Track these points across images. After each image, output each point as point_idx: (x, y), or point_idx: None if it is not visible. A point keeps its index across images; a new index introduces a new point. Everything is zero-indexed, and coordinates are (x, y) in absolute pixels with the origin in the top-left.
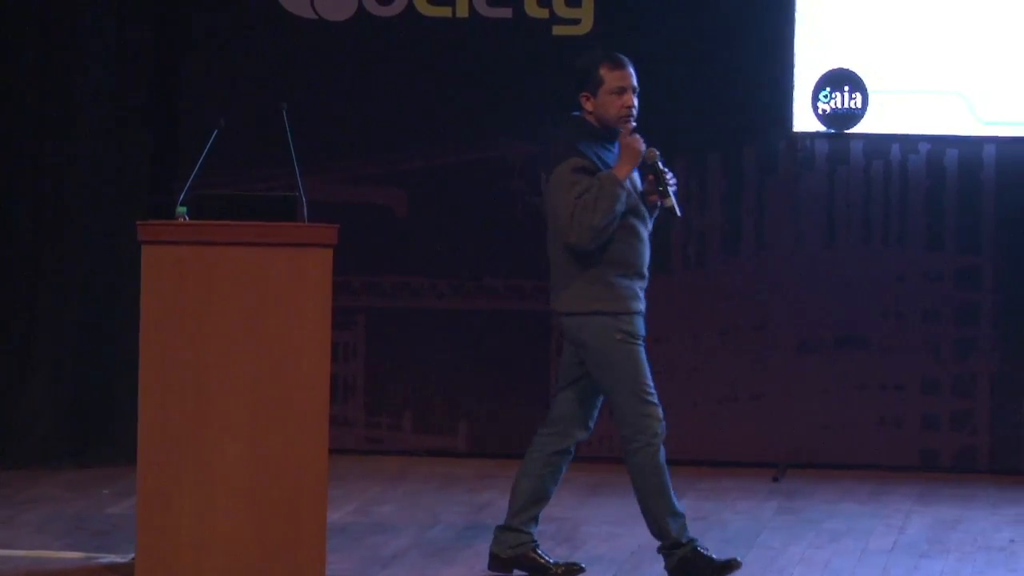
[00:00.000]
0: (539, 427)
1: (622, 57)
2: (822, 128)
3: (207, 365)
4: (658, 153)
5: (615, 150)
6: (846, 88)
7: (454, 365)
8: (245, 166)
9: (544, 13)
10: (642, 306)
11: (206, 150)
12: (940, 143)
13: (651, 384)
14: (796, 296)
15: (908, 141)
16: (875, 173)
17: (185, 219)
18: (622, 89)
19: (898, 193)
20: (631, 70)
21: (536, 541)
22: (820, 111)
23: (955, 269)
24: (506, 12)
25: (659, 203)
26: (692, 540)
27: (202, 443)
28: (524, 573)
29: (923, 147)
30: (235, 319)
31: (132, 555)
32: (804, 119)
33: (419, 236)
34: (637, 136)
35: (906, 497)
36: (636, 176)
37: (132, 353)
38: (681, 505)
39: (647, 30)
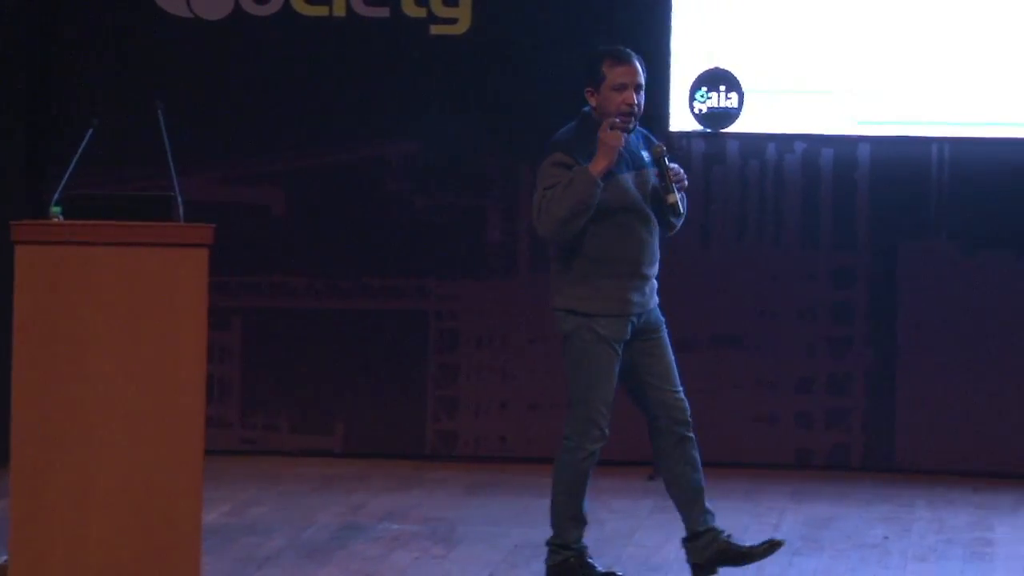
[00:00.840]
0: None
1: (628, 53)
2: (698, 127)
3: (81, 366)
4: (664, 149)
5: (627, 145)
6: (722, 88)
7: (331, 365)
8: (120, 166)
9: (422, 12)
10: (633, 307)
11: (80, 150)
12: (815, 142)
13: (608, 395)
14: (672, 295)
15: (784, 140)
16: (751, 172)
17: (59, 219)
18: (623, 86)
19: (773, 192)
20: (636, 66)
21: (724, 532)
22: (696, 111)
23: (830, 268)
24: (383, 11)
25: (664, 199)
26: (583, 548)
27: (76, 444)
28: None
29: (799, 146)
30: (110, 320)
31: (5, 557)
32: (680, 118)
33: (296, 236)
34: (615, 132)
35: (780, 495)
36: (652, 174)
37: (3, 354)
38: (586, 515)
39: (524, 30)
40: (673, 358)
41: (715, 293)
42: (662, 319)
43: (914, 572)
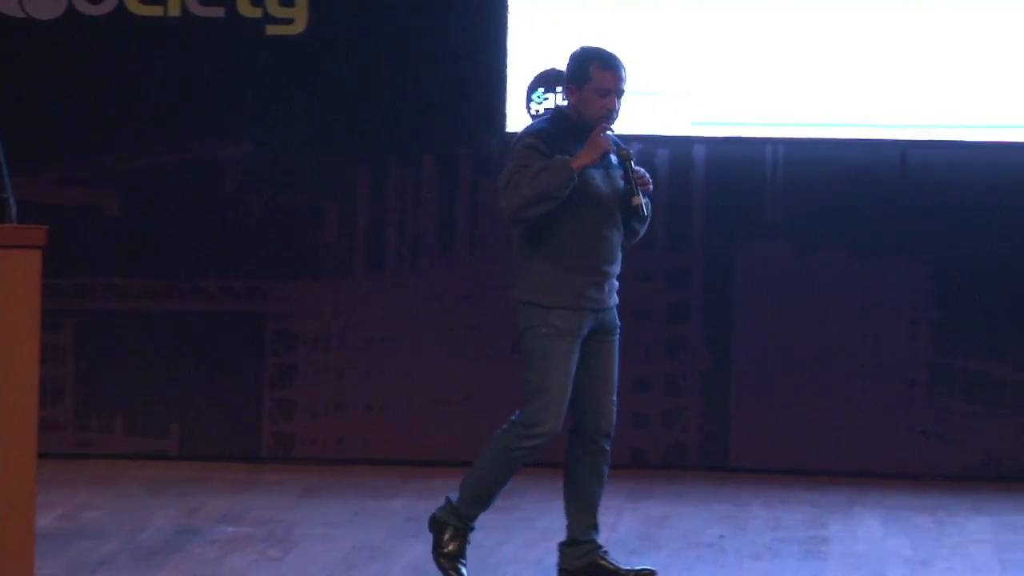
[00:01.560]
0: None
1: (616, 58)
2: None
3: None
4: (631, 152)
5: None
6: (559, 89)
7: (166, 367)
8: None
9: (257, 12)
10: (590, 302)
11: None
12: (651, 143)
13: (561, 387)
14: (509, 296)
15: (621, 141)
16: None
17: None
18: (607, 91)
19: None
20: (622, 73)
21: (602, 548)
22: (533, 111)
23: (665, 268)
24: (219, 11)
25: (629, 200)
26: (470, 528)
27: None
28: None
29: (634, 147)
30: None
31: None
32: (518, 119)
33: (130, 237)
34: (607, 136)
35: (617, 495)
36: (617, 176)
37: None
38: (494, 503)
39: (360, 31)
40: (617, 366)
41: None
42: (618, 323)
43: (750, 570)
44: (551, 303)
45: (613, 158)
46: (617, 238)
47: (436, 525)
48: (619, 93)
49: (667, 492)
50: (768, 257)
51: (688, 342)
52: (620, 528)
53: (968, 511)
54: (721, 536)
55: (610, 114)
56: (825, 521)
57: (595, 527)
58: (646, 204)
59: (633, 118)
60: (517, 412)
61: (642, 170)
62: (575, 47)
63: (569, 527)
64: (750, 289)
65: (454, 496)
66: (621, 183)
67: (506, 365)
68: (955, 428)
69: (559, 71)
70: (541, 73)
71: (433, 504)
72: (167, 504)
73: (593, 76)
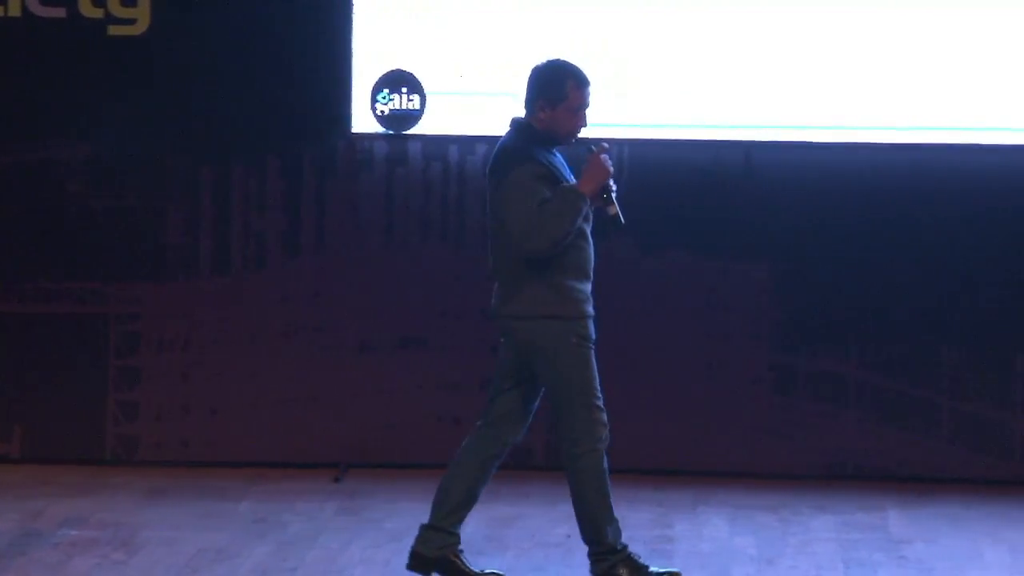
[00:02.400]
0: (476, 426)
1: (586, 75)
2: (380, 129)
3: None
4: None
5: (557, 157)
6: (404, 90)
7: (8, 370)
8: None
9: (99, 13)
10: (593, 309)
11: None
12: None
13: (599, 390)
14: (356, 297)
15: (466, 142)
16: (433, 174)
17: None
18: (580, 108)
19: (456, 194)
20: (590, 89)
21: (460, 545)
22: (378, 112)
23: None
24: (60, 12)
25: (605, 210)
26: (626, 546)
27: None
28: None
29: (480, 148)
30: None
31: None
32: (363, 120)
33: None
34: (607, 157)
35: None
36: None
37: None
38: (616, 513)
39: (204, 31)
40: None
41: (398, 295)
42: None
43: None
44: (573, 314)
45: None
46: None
47: (612, 572)
48: (587, 108)
49: (514, 493)
50: (613, 257)
51: None
52: (467, 529)
53: (812, 509)
54: (568, 536)
55: (579, 131)
56: (671, 520)
57: (461, 522)
58: (620, 213)
59: (480, 119)
60: (567, 433)
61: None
62: (541, 60)
63: (437, 513)
64: (597, 288)
65: (594, 546)
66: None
67: (352, 366)
68: (799, 427)
69: (404, 72)
70: (386, 74)
71: (280, 507)
72: (9, 508)
73: (570, 95)
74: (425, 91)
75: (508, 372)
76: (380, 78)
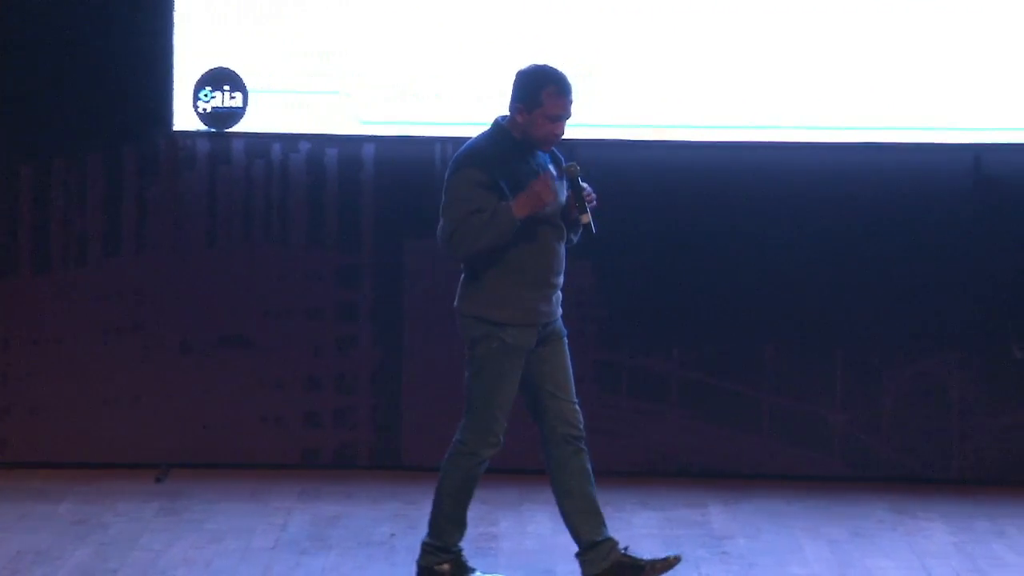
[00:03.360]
0: (544, 447)
1: (568, 83)
2: (203, 127)
3: None
4: (579, 168)
5: (532, 162)
6: (226, 87)
7: None
8: None
9: None
10: (541, 316)
11: None
12: (320, 142)
13: (507, 404)
14: (178, 296)
15: (289, 140)
16: (256, 172)
17: None
18: (557, 117)
19: (279, 192)
20: (571, 97)
21: (618, 544)
22: (200, 110)
23: (336, 267)
24: None
25: (577, 218)
26: (460, 552)
27: None
28: None
29: (303, 146)
30: None
31: None
32: (185, 118)
33: None
34: (547, 185)
35: (288, 495)
36: (561, 188)
37: None
38: (466, 521)
39: (21, 28)
40: (571, 368)
41: (221, 294)
42: (565, 330)
43: None
44: (503, 319)
45: (552, 169)
46: (563, 250)
47: (428, 573)
48: (568, 117)
49: (338, 492)
50: (437, 256)
51: (358, 341)
52: (290, 528)
53: (635, 506)
54: (392, 535)
55: (556, 139)
56: (496, 518)
57: (604, 523)
58: (592, 221)
59: (303, 117)
60: (460, 429)
61: (588, 187)
62: (526, 64)
63: (578, 533)
64: (420, 288)
65: (430, 538)
66: (563, 196)
67: (174, 366)
68: (622, 424)
69: (227, 69)
70: (208, 71)
71: (101, 508)
72: None
73: (545, 102)
74: (247, 89)
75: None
76: (202, 76)
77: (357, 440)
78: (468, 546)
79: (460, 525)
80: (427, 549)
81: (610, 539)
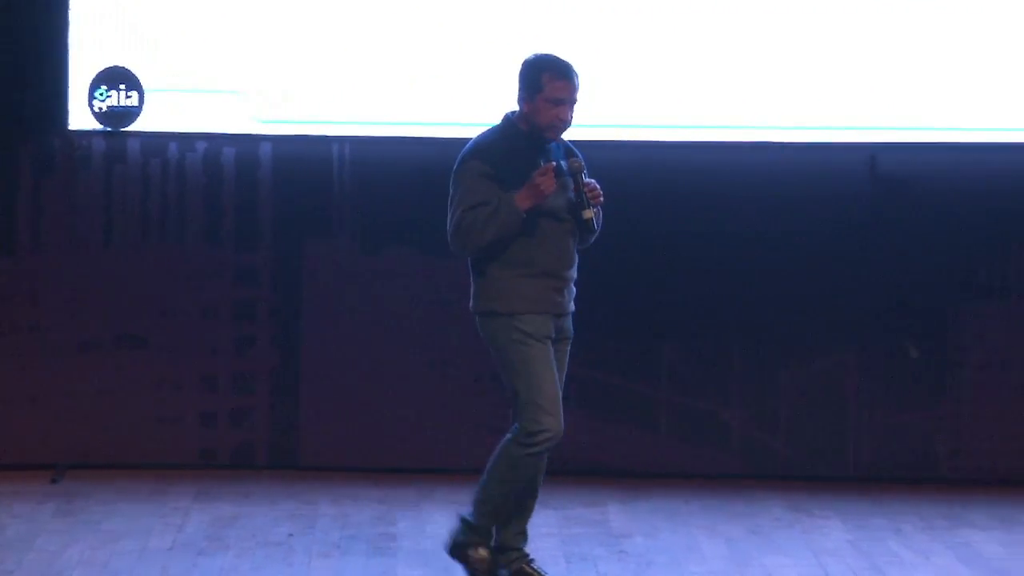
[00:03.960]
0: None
1: (568, 67)
2: (98, 126)
3: None
4: (582, 164)
5: (540, 155)
6: (122, 86)
7: None
8: None
9: None
10: (553, 305)
11: None
12: (217, 141)
13: (550, 388)
14: (74, 296)
15: (185, 140)
16: (153, 171)
17: None
18: (559, 100)
19: (176, 191)
20: (575, 82)
21: (529, 556)
22: (96, 109)
23: (234, 266)
24: None
25: (580, 212)
26: (491, 543)
27: None
28: None
29: (200, 145)
30: None
31: None
32: (80, 117)
33: None
34: (548, 177)
35: (185, 495)
36: (568, 184)
37: None
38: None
39: None
40: (564, 374)
41: (118, 293)
42: (572, 332)
43: (319, 568)
44: (513, 309)
45: (564, 164)
46: (572, 243)
47: (457, 549)
48: (571, 103)
49: (236, 492)
50: (336, 255)
51: (256, 341)
52: (187, 529)
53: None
54: (290, 535)
55: (562, 124)
56: (394, 518)
57: (524, 535)
58: (596, 215)
59: (199, 116)
60: (515, 424)
61: (593, 182)
62: (528, 55)
63: (499, 532)
64: (318, 287)
65: (468, 515)
66: (571, 192)
67: (70, 366)
68: None
69: (122, 68)
70: (104, 70)
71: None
72: None
73: (545, 86)
74: (143, 88)
75: None
76: (98, 74)
77: (255, 440)
78: (366, 546)
79: (499, 518)
80: (462, 524)
81: (521, 550)
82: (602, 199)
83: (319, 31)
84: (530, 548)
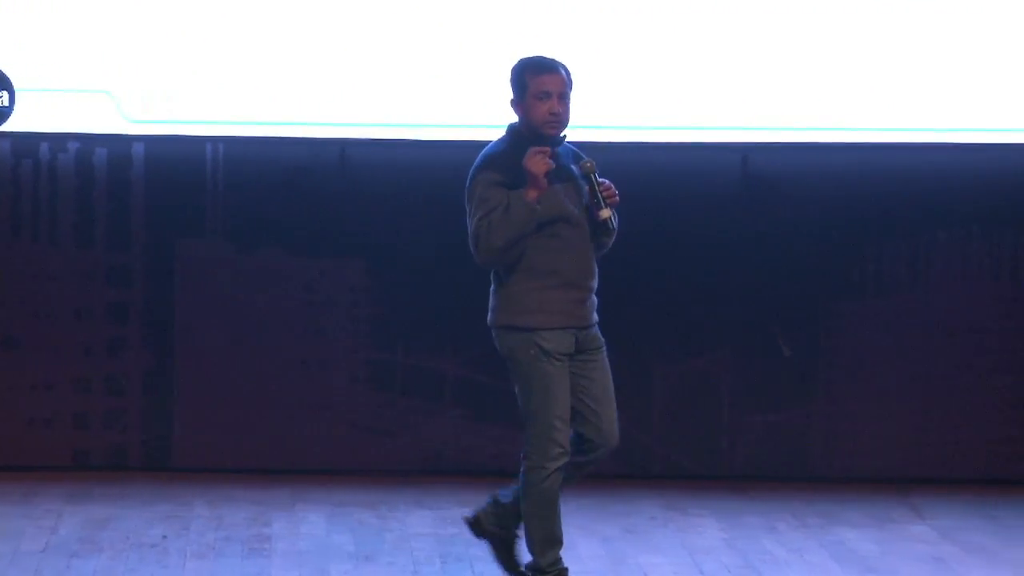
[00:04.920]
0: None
1: (550, 61)
2: None
3: None
4: (594, 164)
5: (557, 159)
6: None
7: None
8: None
9: None
10: (574, 319)
11: None
12: (89, 141)
13: (563, 409)
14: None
15: (57, 140)
16: (24, 172)
17: None
18: (545, 94)
19: (48, 192)
20: (561, 75)
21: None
22: None
23: (106, 267)
24: None
25: (597, 213)
26: (562, 571)
27: None
28: None
29: (72, 146)
30: None
31: None
32: None
33: None
34: (538, 157)
35: (57, 497)
36: (583, 189)
37: None
38: (561, 536)
39: None
40: (611, 380)
41: None
42: (602, 339)
43: (193, 570)
44: (536, 324)
45: (575, 168)
46: (591, 251)
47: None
48: (561, 95)
49: (109, 494)
50: (209, 256)
51: (129, 342)
52: (60, 531)
53: (410, 505)
54: (164, 536)
55: (555, 118)
56: (269, 519)
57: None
58: (612, 215)
59: (71, 116)
60: (525, 444)
61: (607, 181)
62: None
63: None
64: (191, 288)
65: (530, 563)
66: (586, 196)
67: None
68: (396, 423)
69: None
70: None
71: None
72: None
73: (530, 83)
74: (15, 87)
75: None
76: None
77: (128, 442)
78: (241, 547)
79: (553, 542)
80: (534, 569)
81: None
82: (618, 198)
83: (192, 29)
84: (406, 549)
